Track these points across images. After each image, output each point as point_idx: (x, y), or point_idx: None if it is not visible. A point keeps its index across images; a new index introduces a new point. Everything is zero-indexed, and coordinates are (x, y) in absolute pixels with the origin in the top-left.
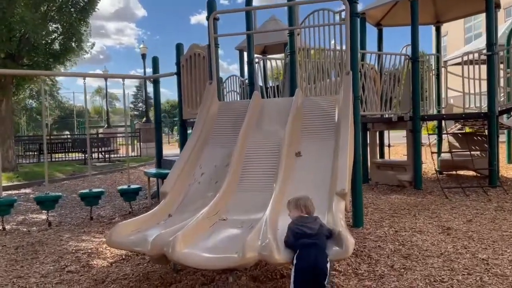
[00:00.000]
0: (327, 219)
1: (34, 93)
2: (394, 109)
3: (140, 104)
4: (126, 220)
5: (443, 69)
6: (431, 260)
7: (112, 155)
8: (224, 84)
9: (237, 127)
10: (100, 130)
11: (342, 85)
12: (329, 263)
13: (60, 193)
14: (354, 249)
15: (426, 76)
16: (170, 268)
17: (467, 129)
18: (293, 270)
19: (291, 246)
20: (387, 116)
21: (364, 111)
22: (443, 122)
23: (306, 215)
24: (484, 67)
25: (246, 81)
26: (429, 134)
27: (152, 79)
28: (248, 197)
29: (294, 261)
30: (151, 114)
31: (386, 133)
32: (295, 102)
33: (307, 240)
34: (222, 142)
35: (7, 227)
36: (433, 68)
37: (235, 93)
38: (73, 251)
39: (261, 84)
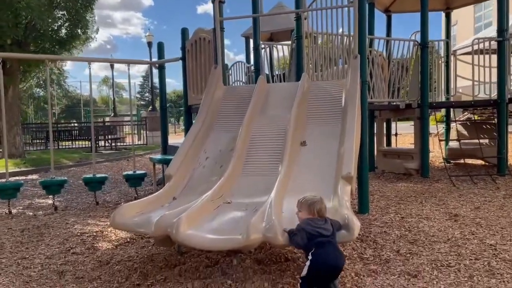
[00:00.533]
0: (333, 203)
1: (41, 82)
2: (402, 97)
3: (147, 94)
4: (130, 202)
5: (452, 56)
6: (438, 245)
7: (118, 143)
8: (230, 71)
9: (242, 111)
10: (107, 119)
11: (349, 70)
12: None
13: (65, 178)
14: (360, 234)
15: (434, 64)
16: (174, 250)
17: (476, 117)
18: (308, 264)
19: (303, 246)
20: (394, 103)
21: (371, 98)
22: (451, 110)
23: (318, 218)
24: (494, 57)
25: (252, 67)
26: (437, 122)
27: (157, 65)
28: (252, 181)
29: (310, 257)
30: (157, 103)
31: (393, 123)
32: (301, 87)
33: (323, 239)
34: (227, 126)
35: (14, 211)
36: (442, 55)
37: (241, 83)
38: (79, 234)
39: (267, 72)
